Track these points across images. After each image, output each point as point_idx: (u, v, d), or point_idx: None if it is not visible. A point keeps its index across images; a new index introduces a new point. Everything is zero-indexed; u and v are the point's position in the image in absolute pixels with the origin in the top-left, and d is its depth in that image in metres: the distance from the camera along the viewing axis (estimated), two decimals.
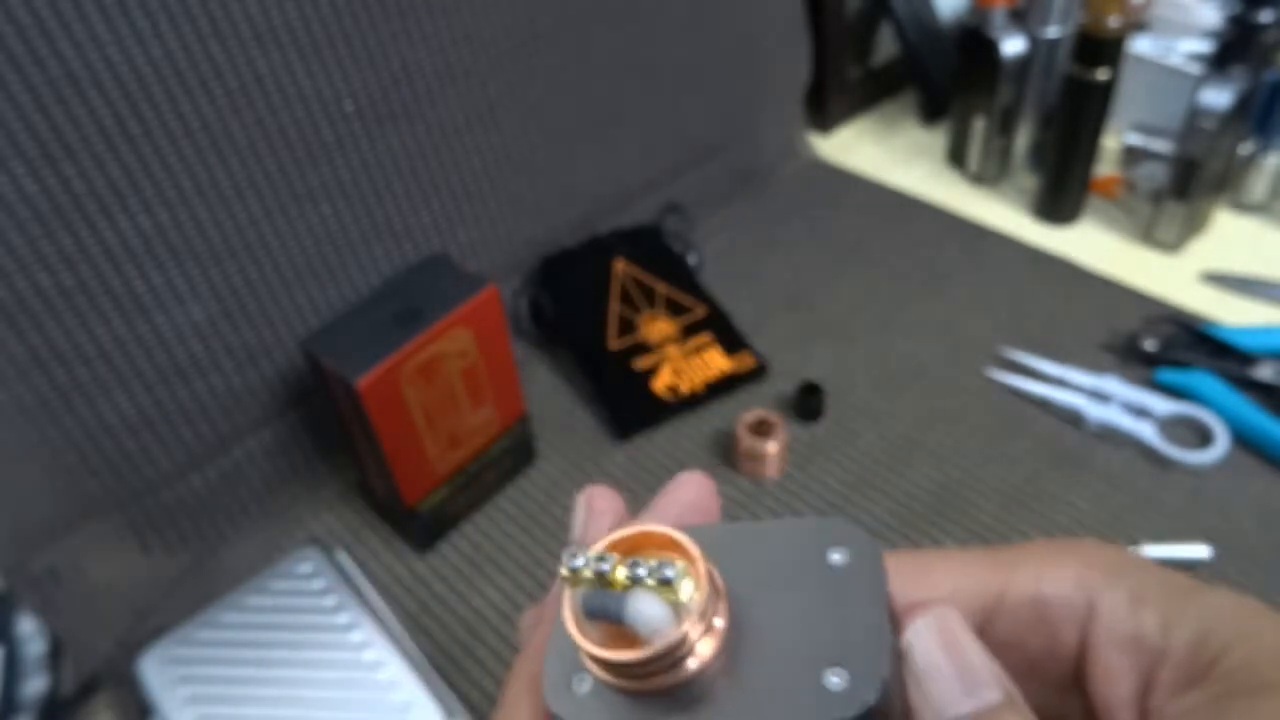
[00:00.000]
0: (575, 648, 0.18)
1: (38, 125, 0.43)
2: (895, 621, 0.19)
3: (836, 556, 0.19)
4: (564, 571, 0.18)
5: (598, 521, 0.22)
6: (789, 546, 0.19)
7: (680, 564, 0.17)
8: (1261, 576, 0.51)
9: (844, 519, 0.19)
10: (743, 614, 0.19)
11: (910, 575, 0.23)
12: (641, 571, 0.17)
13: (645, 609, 0.17)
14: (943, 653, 0.19)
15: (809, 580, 0.19)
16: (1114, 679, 0.22)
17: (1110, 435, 0.59)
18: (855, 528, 0.19)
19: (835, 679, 0.17)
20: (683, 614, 0.17)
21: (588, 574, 0.17)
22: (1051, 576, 0.23)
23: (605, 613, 0.17)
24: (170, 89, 0.46)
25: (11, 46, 0.41)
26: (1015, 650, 0.22)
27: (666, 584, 0.17)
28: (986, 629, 0.22)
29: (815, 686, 0.17)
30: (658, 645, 0.17)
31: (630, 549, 0.19)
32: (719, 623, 0.18)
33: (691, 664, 0.18)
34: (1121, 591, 0.22)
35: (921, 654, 0.19)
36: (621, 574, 0.17)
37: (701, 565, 0.18)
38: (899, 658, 0.19)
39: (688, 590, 0.17)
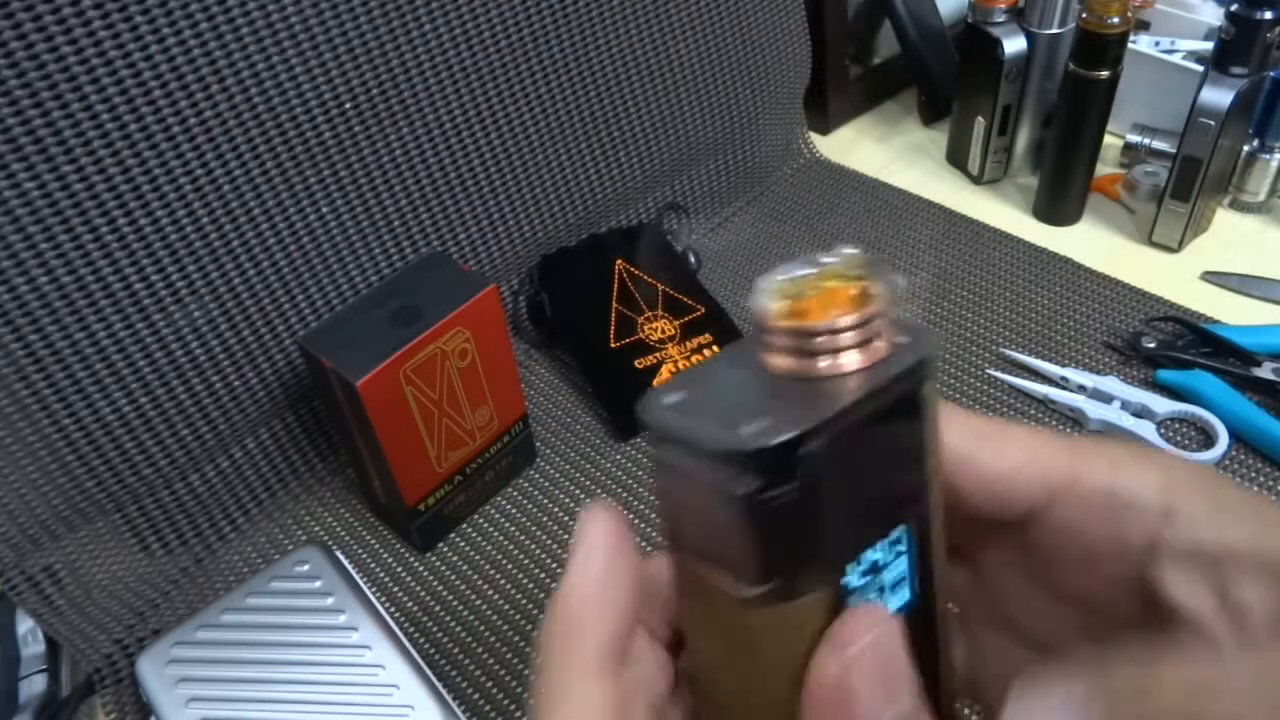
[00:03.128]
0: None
1: (36, 125, 0.43)
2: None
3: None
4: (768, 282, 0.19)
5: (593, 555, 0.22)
6: None
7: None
8: None
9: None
10: None
11: (987, 437, 0.23)
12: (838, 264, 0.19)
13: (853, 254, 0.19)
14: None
15: None
16: (1190, 593, 0.21)
17: (1111, 435, 0.59)
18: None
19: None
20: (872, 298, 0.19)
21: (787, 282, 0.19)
22: (1131, 473, 0.22)
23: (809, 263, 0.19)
24: (170, 89, 0.46)
25: (10, 46, 0.41)
26: (1075, 537, 0.22)
27: (859, 276, 0.19)
28: (1048, 511, 0.23)
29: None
30: (872, 302, 0.19)
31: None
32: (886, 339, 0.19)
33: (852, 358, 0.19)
34: (1207, 503, 0.22)
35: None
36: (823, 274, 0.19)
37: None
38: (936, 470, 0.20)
39: (880, 286, 0.19)
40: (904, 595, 0.20)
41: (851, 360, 0.19)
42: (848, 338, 0.19)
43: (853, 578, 0.19)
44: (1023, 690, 0.19)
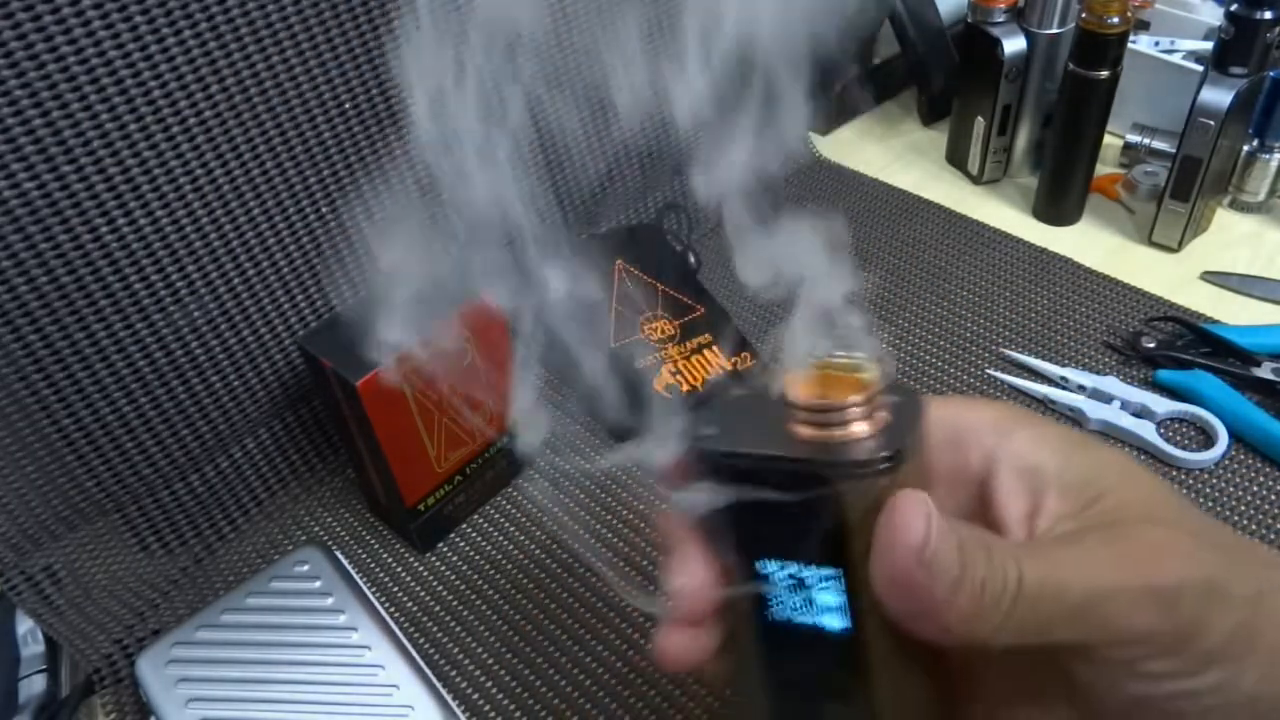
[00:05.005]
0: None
1: (36, 125, 0.43)
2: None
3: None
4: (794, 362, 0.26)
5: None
6: None
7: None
8: None
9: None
10: None
11: None
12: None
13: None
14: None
15: None
16: (1011, 499, 0.27)
17: (1110, 435, 0.59)
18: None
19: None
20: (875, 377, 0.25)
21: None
22: (971, 413, 0.29)
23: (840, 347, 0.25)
24: (170, 89, 0.46)
25: (9, 46, 0.41)
26: (937, 462, 0.28)
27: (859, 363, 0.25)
28: None
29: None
30: (872, 377, 0.25)
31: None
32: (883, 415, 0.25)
33: (862, 427, 0.24)
34: (1029, 431, 0.28)
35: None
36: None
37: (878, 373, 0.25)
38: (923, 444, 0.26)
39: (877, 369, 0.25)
40: (842, 622, 0.26)
41: (860, 430, 0.24)
42: (853, 413, 0.24)
43: (771, 570, 0.26)
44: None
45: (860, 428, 0.24)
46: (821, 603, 0.25)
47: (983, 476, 0.28)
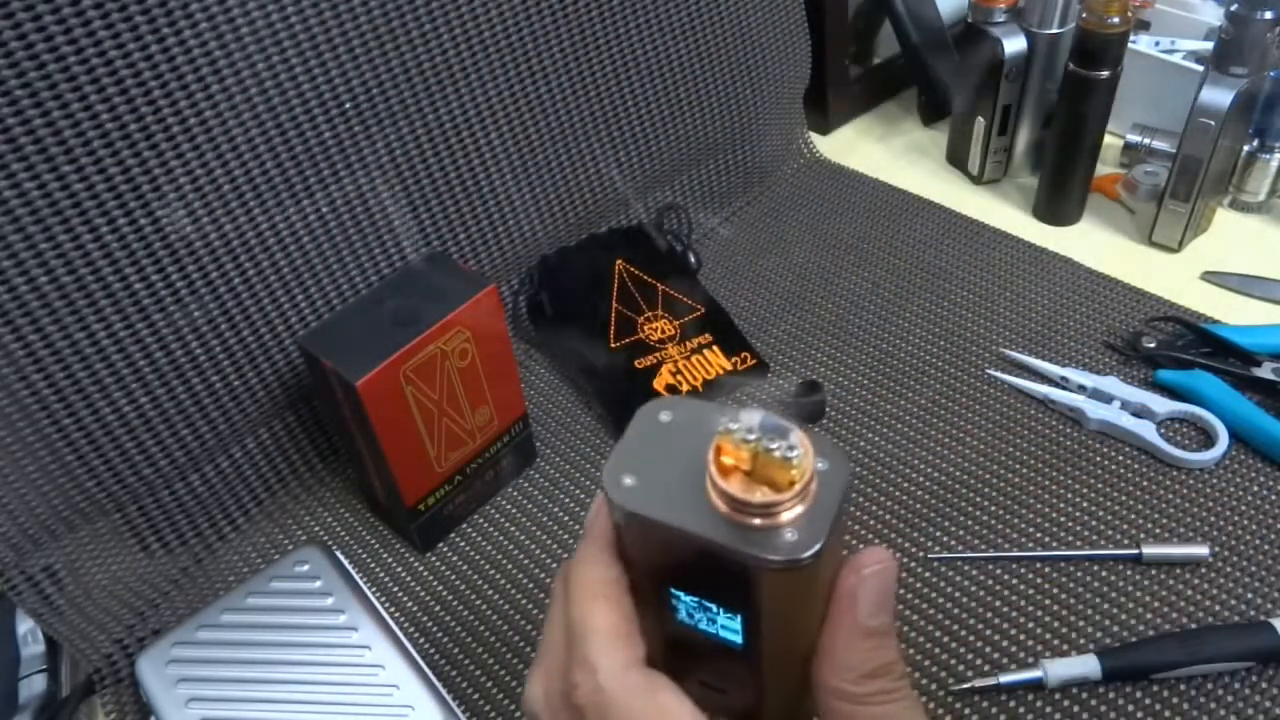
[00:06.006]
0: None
1: (36, 125, 0.43)
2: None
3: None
4: (732, 432, 0.24)
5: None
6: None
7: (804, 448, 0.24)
8: (1261, 576, 0.51)
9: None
10: None
11: None
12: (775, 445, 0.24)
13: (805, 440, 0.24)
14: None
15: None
16: None
17: (1110, 435, 0.59)
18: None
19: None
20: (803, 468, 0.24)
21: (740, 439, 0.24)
22: None
23: (776, 429, 0.24)
24: (170, 89, 0.46)
25: (10, 46, 0.41)
26: None
27: (788, 459, 0.24)
28: None
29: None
30: (801, 474, 0.24)
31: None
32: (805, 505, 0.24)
33: (788, 514, 0.24)
34: None
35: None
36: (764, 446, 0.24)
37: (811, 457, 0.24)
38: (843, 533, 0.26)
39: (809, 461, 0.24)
40: (737, 639, 0.27)
41: (781, 518, 0.24)
42: (772, 511, 0.24)
43: (680, 599, 0.27)
44: None
45: (781, 517, 0.24)
46: (723, 623, 0.27)
47: None
